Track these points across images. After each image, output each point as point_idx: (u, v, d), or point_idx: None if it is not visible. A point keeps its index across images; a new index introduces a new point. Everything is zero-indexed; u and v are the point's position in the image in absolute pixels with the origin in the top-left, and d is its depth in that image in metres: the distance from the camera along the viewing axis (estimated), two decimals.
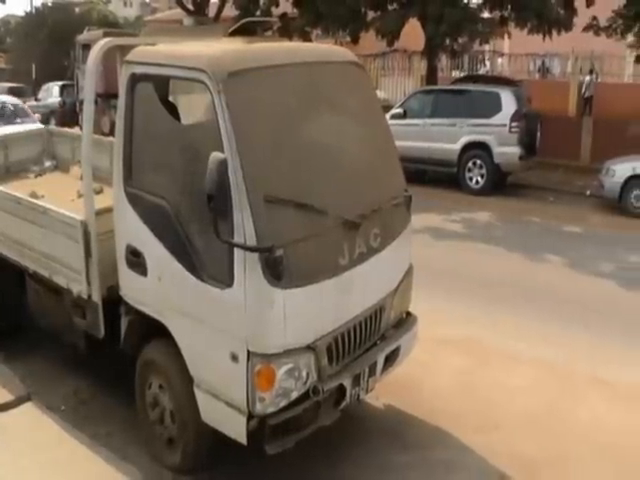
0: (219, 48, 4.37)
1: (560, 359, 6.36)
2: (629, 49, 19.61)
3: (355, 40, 18.09)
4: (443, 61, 21.61)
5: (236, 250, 3.77)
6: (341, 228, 4.20)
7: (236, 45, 4.71)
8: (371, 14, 18.16)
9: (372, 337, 4.66)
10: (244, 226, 3.71)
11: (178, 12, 25.06)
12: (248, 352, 3.82)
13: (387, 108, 13.91)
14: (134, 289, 4.56)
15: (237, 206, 3.73)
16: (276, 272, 3.75)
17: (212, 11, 23.38)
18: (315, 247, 4.02)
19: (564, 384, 5.96)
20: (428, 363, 6.04)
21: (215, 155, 3.66)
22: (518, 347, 6.55)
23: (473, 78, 17.11)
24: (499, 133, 13.64)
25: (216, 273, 3.94)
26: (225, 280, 3.86)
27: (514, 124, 13.57)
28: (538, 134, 14.43)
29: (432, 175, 14.67)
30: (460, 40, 18.23)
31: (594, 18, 17.53)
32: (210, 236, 3.76)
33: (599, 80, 20.17)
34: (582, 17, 17.03)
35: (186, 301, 4.15)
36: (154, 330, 4.48)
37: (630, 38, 18.51)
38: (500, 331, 6.89)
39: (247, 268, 3.75)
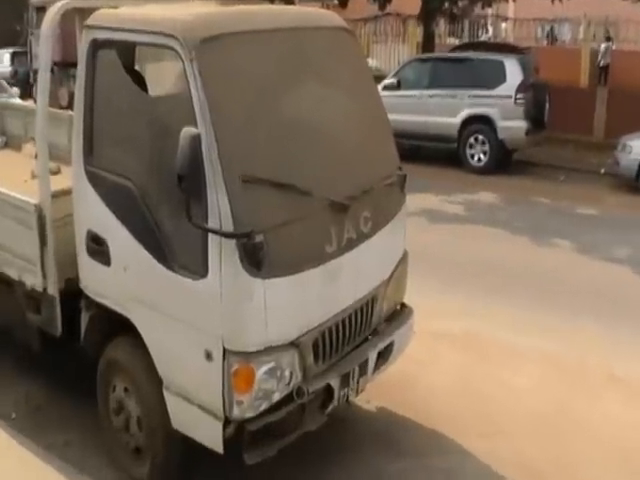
0: (191, 11, 4.33)
1: (570, 354, 6.41)
2: None
3: (343, 3, 18.01)
4: (441, 26, 21.59)
5: (210, 236, 3.75)
6: (328, 211, 4.19)
7: (210, 8, 4.68)
8: None
9: (363, 332, 4.66)
10: (219, 209, 3.69)
11: None
12: (224, 350, 3.81)
13: (379, 78, 13.88)
14: (96, 280, 4.54)
15: (212, 187, 3.70)
16: (255, 260, 3.73)
17: None
18: (299, 232, 4.01)
19: (574, 382, 6.00)
20: (425, 360, 6.08)
21: (187, 130, 3.63)
22: (524, 341, 6.60)
23: (474, 45, 17.11)
24: (503, 105, 13.67)
25: (188, 262, 3.92)
26: (198, 270, 3.84)
27: (520, 95, 13.60)
28: (547, 106, 14.47)
29: (429, 152, 14.68)
30: (460, 3, 18.20)
31: None
32: (181, 221, 3.74)
33: (614, 47, 20.23)
34: None
35: (155, 293, 4.13)
36: (118, 326, 4.46)
37: None
38: (503, 324, 6.93)
39: (223, 256, 3.73)
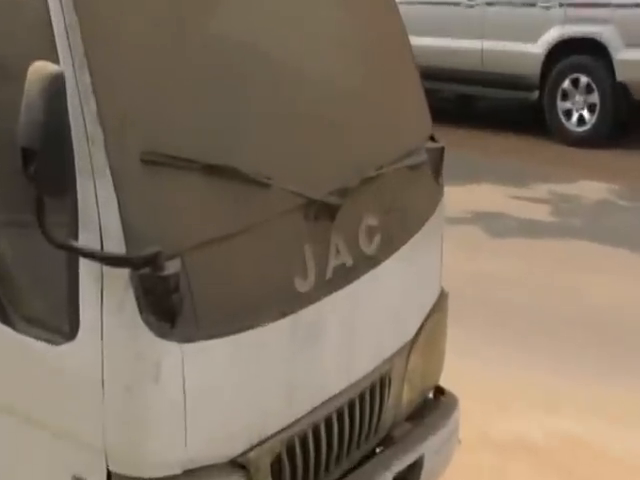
0: None
1: None
2: None
3: None
4: None
5: (83, 263, 3.73)
6: (301, 217, 4.21)
7: None
8: None
9: (366, 441, 4.69)
10: (99, 213, 3.67)
11: None
12: (109, 475, 3.80)
13: None
14: None
15: (85, 171, 3.68)
16: (167, 308, 3.71)
17: None
18: (248, 256, 4.02)
19: None
20: None
21: (40, 67, 3.59)
22: None
23: None
24: (626, 21, 13.79)
25: (43, 313, 3.93)
26: (61, 327, 3.82)
27: None
28: None
29: (489, 106, 14.76)
30: None
31: None
32: (31, 235, 3.71)
33: None
34: None
35: None
36: None
37: None
38: (624, 423, 6.98)
39: (106, 300, 3.71)
